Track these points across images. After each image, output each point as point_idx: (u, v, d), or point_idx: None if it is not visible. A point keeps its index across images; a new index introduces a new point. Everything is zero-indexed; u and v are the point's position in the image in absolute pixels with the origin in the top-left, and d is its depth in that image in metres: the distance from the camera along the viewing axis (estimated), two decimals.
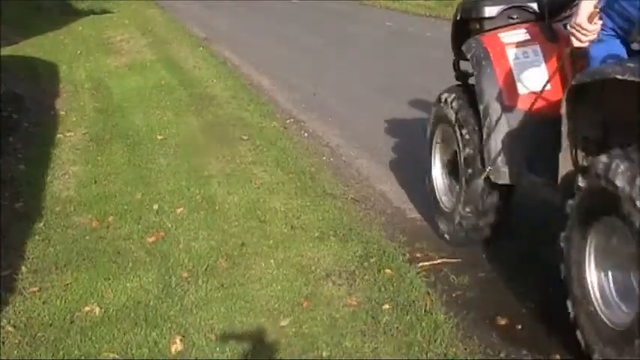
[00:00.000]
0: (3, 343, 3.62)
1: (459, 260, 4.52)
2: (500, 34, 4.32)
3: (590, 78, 3.30)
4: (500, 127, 4.12)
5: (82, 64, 11.38)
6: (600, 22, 3.47)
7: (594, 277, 3.20)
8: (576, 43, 3.53)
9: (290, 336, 3.63)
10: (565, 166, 3.58)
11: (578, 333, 3.26)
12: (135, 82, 9.95)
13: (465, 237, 4.61)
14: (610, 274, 3.16)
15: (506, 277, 4.35)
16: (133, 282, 4.21)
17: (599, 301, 3.16)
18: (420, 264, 4.45)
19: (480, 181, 4.32)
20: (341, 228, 4.92)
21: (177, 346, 3.55)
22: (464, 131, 4.41)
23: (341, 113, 8.20)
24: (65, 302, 4.01)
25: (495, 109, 4.15)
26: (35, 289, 4.16)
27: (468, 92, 4.50)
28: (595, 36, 3.48)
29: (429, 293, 4.03)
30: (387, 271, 4.27)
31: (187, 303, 3.97)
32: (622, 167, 2.88)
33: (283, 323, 3.74)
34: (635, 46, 3.51)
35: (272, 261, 4.45)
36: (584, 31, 3.48)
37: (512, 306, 4.02)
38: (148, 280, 4.23)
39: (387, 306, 3.88)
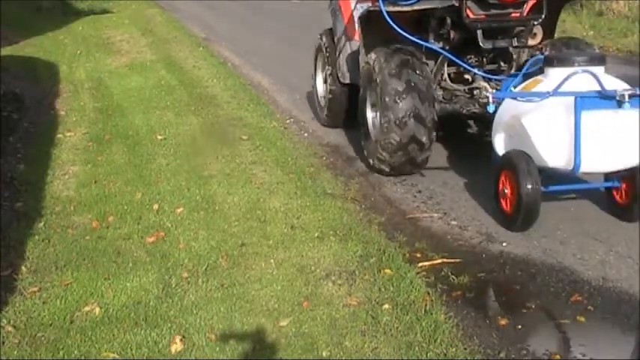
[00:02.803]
0: (3, 343, 3.62)
1: (459, 260, 4.53)
2: None
3: (365, 11, 6.15)
4: (346, 50, 6.96)
5: (82, 64, 11.38)
6: None
7: (369, 113, 6.24)
8: None
9: (290, 336, 3.63)
10: (362, 64, 6.37)
11: (362, 143, 6.33)
12: (135, 82, 9.95)
13: (333, 120, 7.53)
14: (375, 111, 6.10)
15: (506, 277, 4.36)
16: (133, 282, 4.21)
17: (371, 126, 6.20)
18: (420, 264, 4.45)
19: (336, 83, 7.17)
20: (341, 228, 4.93)
21: (177, 346, 3.55)
22: (328, 54, 7.33)
23: None
24: (65, 302, 4.01)
25: (343, 40, 7.01)
26: (35, 289, 4.16)
27: (332, 32, 7.35)
28: None
29: (429, 293, 4.03)
30: (387, 271, 4.28)
31: (187, 303, 3.97)
32: (372, 56, 5.95)
33: (283, 323, 3.74)
34: None
35: (272, 261, 4.45)
36: None
37: (512, 306, 4.03)
38: (148, 280, 4.23)
39: (387, 306, 3.89)
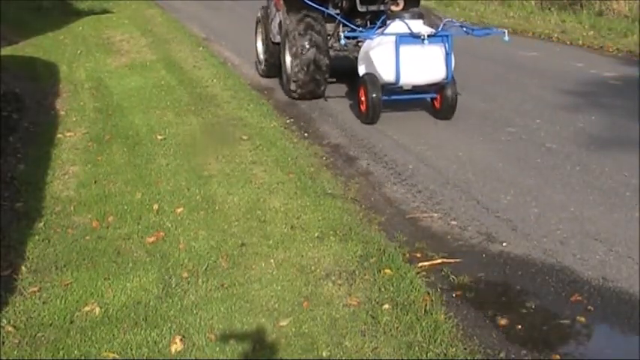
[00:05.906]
0: (3, 343, 3.62)
1: (459, 260, 4.53)
2: None
3: None
4: (275, 19, 9.38)
5: (82, 64, 11.37)
6: None
7: (287, 57, 8.77)
8: None
9: (290, 336, 3.63)
10: (283, 26, 8.97)
11: (283, 81, 9.19)
12: (135, 82, 9.95)
13: (268, 71, 9.98)
14: (289, 55, 8.70)
15: (506, 277, 4.36)
16: (133, 282, 4.22)
17: (288, 66, 8.78)
18: (420, 264, 4.45)
19: (269, 42, 9.63)
20: (341, 228, 4.93)
21: (177, 346, 3.56)
22: (263, 23, 9.88)
23: (341, 113, 8.20)
24: (65, 302, 4.01)
25: (273, 12, 9.46)
26: (35, 289, 4.16)
27: (266, 8, 9.92)
28: None
29: (429, 293, 4.03)
30: (387, 271, 4.28)
31: (187, 303, 3.97)
32: (288, 21, 8.64)
33: (283, 323, 3.74)
34: None
35: (272, 261, 4.45)
36: None
37: (512, 306, 4.03)
38: (148, 280, 4.23)
39: (387, 306, 3.89)
